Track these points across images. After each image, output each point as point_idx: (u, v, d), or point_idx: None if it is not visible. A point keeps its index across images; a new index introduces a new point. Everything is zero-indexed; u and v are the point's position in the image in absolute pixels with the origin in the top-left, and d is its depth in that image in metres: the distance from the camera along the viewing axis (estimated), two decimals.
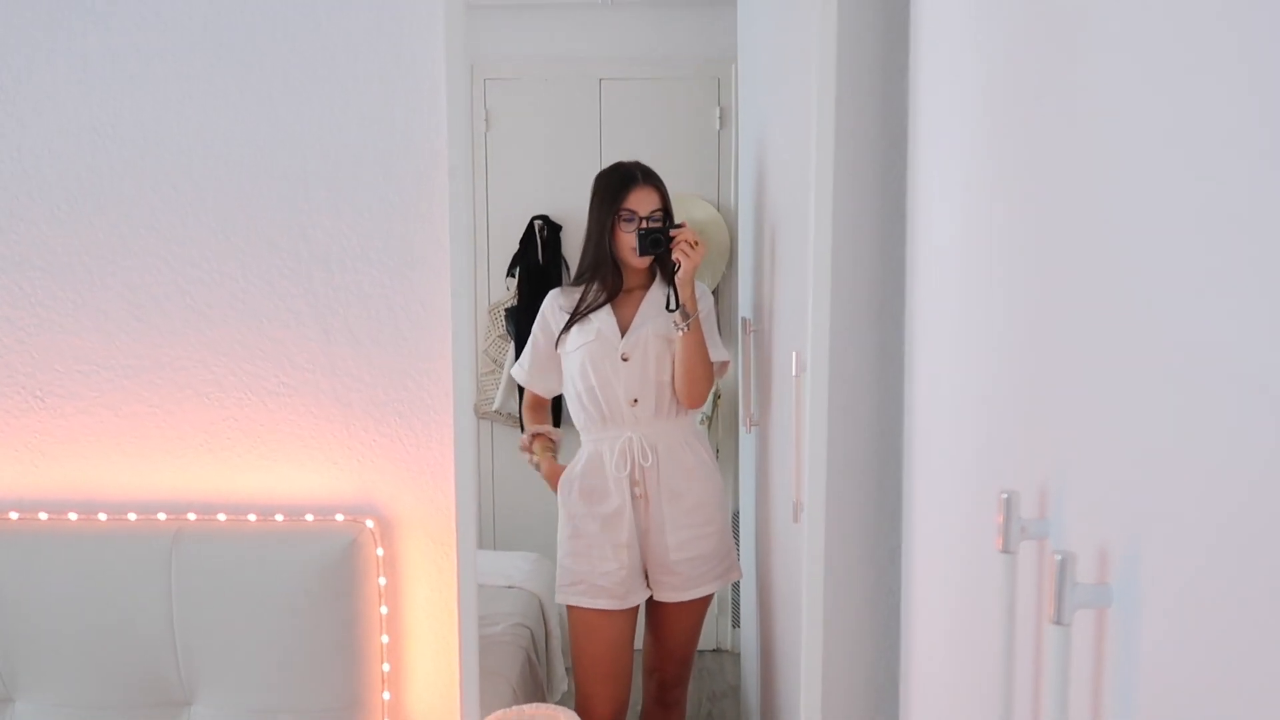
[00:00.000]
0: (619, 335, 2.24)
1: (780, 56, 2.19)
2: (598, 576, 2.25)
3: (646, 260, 2.24)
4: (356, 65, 1.52)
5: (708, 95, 3.54)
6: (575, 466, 2.29)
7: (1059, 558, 0.76)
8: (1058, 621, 0.77)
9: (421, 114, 1.52)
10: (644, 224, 2.21)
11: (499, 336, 3.69)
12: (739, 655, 3.62)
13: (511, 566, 3.25)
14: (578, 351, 2.24)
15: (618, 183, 2.24)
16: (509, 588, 3.10)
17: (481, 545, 3.72)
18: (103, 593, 1.51)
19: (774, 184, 2.28)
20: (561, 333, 2.27)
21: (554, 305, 2.31)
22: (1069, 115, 0.83)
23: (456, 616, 1.58)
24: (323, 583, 1.49)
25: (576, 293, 2.28)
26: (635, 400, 2.23)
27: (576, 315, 2.24)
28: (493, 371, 3.69)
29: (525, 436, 2.38)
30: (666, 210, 2.26)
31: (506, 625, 2.78)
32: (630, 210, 2.21)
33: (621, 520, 2.24)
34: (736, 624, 3.73)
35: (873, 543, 1.51)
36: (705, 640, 3.77)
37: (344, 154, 1.55)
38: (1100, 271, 0.77)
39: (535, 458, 2.36)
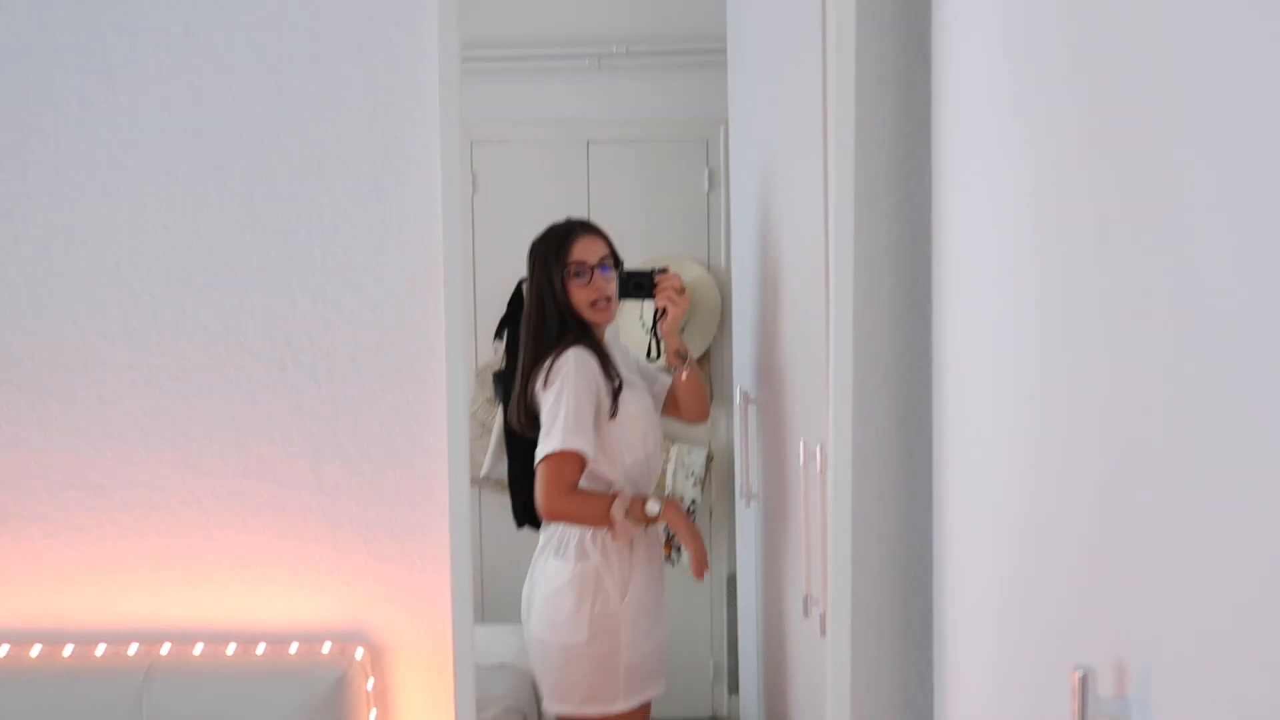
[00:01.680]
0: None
1: (781, 116, 2.13)
2: (656, 660, 2.14)
3: (611, 315, 2.13)
4: (345, 167, 1.45)
5: (696, 157, 3.52)
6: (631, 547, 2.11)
7: None
8: None
9: (416, 220, 1.45)
10: (619, 269, 2.11)
11: (486, 400, 3.61)
12: None
13: (502, 643, 3.14)
14: (640, 419, 2.09)
15: (557, 238, 2.09)
16: (500, 666, 2.98)
17: None
18: None
19: (778, 252, 2.22)
20: (615, 397, 2.05)
21: (594, 366, 2.05)
22: (1131, 186, 0.76)
23: None
24: None
25: (590, 353, 2.08)
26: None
27: (621, 378, 2.07)
28: (481, 436, 3.60)
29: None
30: (616, 258, 2.15)
31: (499, 710, 2.66)
32: (579, 262, 2.06)
33: (663, 597, 2.17)
34: (734, 690, 3.64)
35: (900, 662, 1.43)
36: (700, 707, 3.68)
37: (332, 260, 1.47)
38: (1195, 377, 0.68)
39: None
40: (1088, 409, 0.86)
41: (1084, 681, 0.79)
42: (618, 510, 2.00)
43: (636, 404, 2.09)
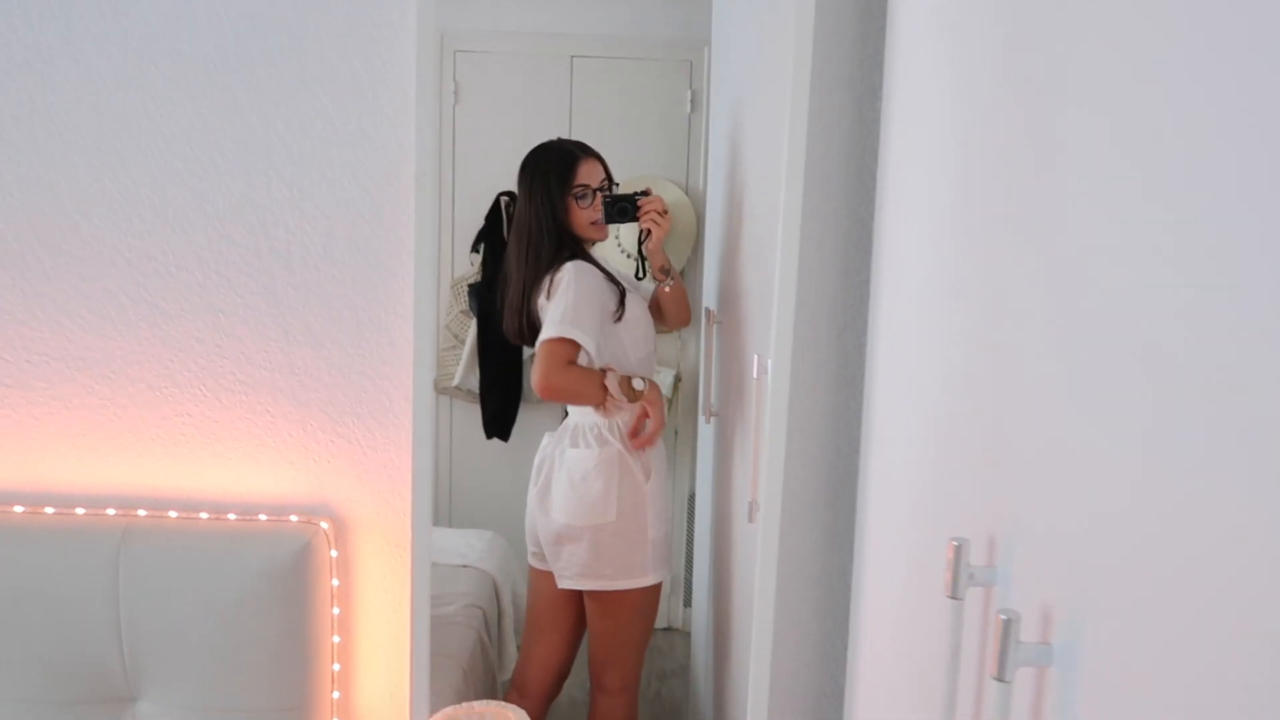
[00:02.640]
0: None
1: (757, 42, 2.17)
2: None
3: (607, 233, 2.22)
4: (324, 65, 1.49)
5: (679, 77, 3.52)
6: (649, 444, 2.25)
7: (1005, 618, 0.78)
8: (999, 678, 0.79)
9: (390, 119, 1.49)
10: (603, 194, 2.19)
11: (461, 312, 3.66)
12: (689, 634, 3.66)
13: (466, 545, 3.25)
14: (641, 319, 2.21)
15: (560, 160, 2.17)
16: (463, 566, 3.10)
17: (437, 523, 3.71)
18: (48, 587, 1.49)
19: (743, 177, 2.28)
20: (621, 300, 2.17)
21: (596, 274, 2.16)
22: (1041, 141, 0.84)
23: (409, 619, 1.58)
24: (275, 584, 1.48)
25: (590, 265, 2.19)
26: None
27: (622, 285, 2.20)
28: (454, 347, 3.66)
29: (612, 383, 2.13)
30: (611, 180, 2.24)
31: (459, 606, 2.78)
32: (584, 186, 2.17)
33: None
34: (688, 603, 3.77)
35: (825, 554, 1.54)
36: (657, 620, 3.81)
37: (308, 152, 1.51)
38: (1069, 310, 0.77)
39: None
40: (994, 324, 0.94)
41: (958, 550, 0.90)
42: (611, 382, 2.12)
43: (636, 306, 2.20)
